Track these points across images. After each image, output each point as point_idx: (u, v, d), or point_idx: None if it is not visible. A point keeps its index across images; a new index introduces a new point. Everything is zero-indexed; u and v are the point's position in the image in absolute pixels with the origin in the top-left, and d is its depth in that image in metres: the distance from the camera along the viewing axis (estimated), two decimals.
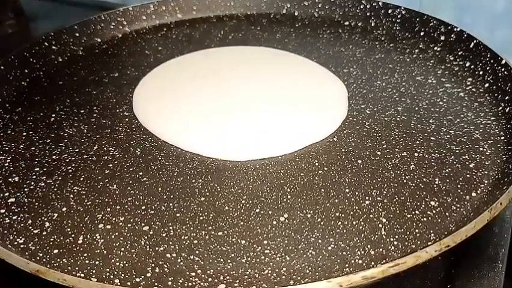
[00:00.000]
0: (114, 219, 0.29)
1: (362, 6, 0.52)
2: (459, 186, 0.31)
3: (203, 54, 0.48)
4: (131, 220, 0.29)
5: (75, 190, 0.32)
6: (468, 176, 0.32)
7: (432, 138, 0.35)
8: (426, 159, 0.33)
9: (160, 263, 0.27)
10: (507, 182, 0.30)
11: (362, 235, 0.28)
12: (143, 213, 0.30)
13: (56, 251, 0.28)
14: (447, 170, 0.32)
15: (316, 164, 0.33)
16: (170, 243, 0.28)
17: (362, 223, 0.29)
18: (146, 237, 0.28)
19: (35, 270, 0.24)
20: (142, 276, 0.26)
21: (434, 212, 0.29)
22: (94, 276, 0.26)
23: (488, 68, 0.41)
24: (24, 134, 0.37)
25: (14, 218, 0.30)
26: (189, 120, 0.38)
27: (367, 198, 0.30)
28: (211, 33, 0.52)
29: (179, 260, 0.27)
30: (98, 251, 0.27)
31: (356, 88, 0.41)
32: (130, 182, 0.32)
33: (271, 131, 0.36)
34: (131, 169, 0.33)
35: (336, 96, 0.40)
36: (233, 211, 0.30)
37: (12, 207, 0.31)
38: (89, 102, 0.41)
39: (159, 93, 0.41)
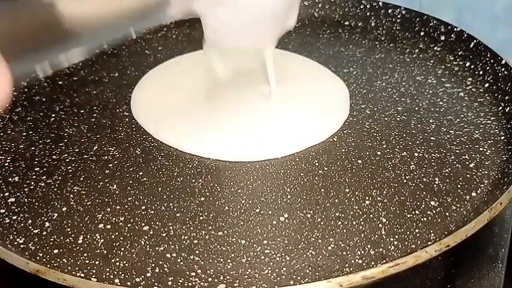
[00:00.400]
0: (114, 219, 0.29)
1: (362, 6, 0.52)
2: (459, 186, 0.31)
3: (203, 54, 0.47)
4: (131, 220, 0.29)
5: (75, 190, 0.32)
6: (468, 176, 0.32)
7: (432, 138, 0.35)
8: (426, 159, 0.33)
9: (160, 263, 0.27)
10: (507, 182, 0.30)
11: (362, 235, 0.28)
12: (143, 213, 0.30)
13: (56, 251, 0.28)
14: (447, 170, 0.32)
15: (316, 164, 0.33)
16: (170, 243, 0.28)
17: (362, 223, 0.29)
18: (146, 237, 0.28)
19: (35, 270, 0.24)
20: (142, 276, 0.26)
21: (434, 212, 0.29)
22: (94, 276, 0.26)
23: (488, 68, 0.41)
24: (24, 134, 0.37)
25: (14, 218, 0.30)
26: (189, 121, 0.37)
27: (367, 198, 0.30)
28: None
29: (179, 260, 0.27)
30: (98, 251, 0.27)
31: (356, 88, 0.41)
32: (130, 182, 0.32)
33: (272, 132, 0.36)
34: (131, 169, 0.33)
35: (337, 97, 0.40)
36: (233, 211, 0.30)
37: (12, 207, 0.31)
38: (89, 102, 0.41)
39: (158, 94, 0.41)
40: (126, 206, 0.30)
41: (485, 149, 0.34)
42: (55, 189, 0.32)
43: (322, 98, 0.40)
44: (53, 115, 0.39)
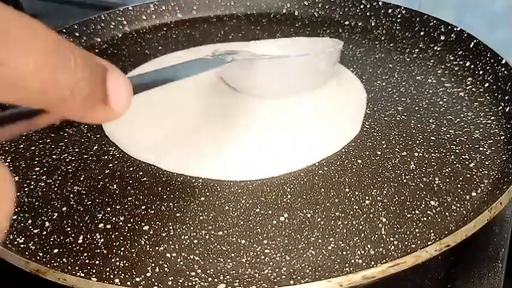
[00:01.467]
0: (114, 219, 0.29)
1: (362, 6, 0.52)
2: (459, 186, 0.31)
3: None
4: (131, 220, 0.29)
5: (75, 190, 0.32)
6: (468, 175, 0.32)
7: (432, 138, 0.35)
8: (426, 159, 0.33)
9: (160, 262, 0.27)
10: (507, 181, 0.30)
11: (362, 235, 0.28)
12: (143, 213, 0.30)
13: (56, 250, 0.28)
14: (447, 170, 0.32)
15: (316, 164, 0.33)
16: (170, 242, 0.28)
17: (362, 223, 0.29)
18: (146, 237, 0.28)
19: (35, 270, 0.24)
20: (142, 276, 0.26)
21: (434, 211, 0.29)
22: (94, 276, 0.26)
23: (488, 68, 0.41)
24: (24, 134, 0.37)
25: (14, 217, 0.30)
26: (182, 139, 0.35)
27: (367, 198, 0.30)
28: (211, 33, 0.52)
29: (179, 260, 0.27)
30: (98, 250, 0.27)
31: None
32: (130, 182, 0.32)
33: (278, 148, 0.34)
34: (131, 169, 0.33)
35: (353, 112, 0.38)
36: (233, 211, 0.30)
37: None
38: None
39: (141, 107, 0.38)
40: (126, 206, 0.30)
41: (485, 149, 0.34)
42: (55, 189, 0.32)
43: (335, 108, 0.38)
44: None
